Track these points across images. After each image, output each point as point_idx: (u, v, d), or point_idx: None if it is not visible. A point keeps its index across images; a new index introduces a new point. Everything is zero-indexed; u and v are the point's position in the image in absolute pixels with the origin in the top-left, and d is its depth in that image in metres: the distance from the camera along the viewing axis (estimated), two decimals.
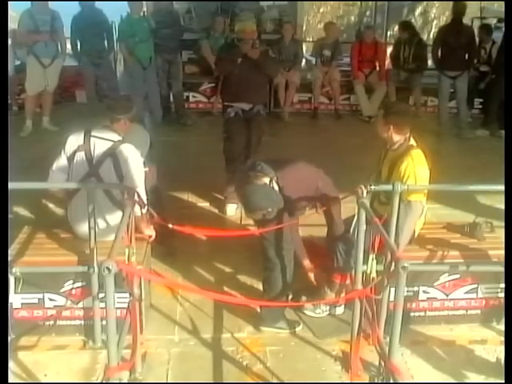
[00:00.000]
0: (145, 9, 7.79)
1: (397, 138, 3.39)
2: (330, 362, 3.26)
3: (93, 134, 3.47)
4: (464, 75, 7.14)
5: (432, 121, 7.72)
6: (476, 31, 8.15)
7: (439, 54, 7.28)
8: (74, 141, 3.49)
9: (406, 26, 8.55)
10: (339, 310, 3.68)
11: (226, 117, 4.93)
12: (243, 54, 4.75)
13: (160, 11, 7.46)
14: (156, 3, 7.76)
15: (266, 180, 3.39)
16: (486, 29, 8.47)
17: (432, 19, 22.35)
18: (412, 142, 3.42)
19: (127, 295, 2.88)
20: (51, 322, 3.41)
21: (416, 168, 3.26)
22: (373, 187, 3.07)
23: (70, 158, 3.48)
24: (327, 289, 3.64)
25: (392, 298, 2.86)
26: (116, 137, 3.48)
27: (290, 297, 3.67)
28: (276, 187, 3.39)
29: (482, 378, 3.16)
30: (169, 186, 4.69)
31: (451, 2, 7.63)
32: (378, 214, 2.93)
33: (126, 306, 2.94)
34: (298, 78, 8.03)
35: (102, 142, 3.44)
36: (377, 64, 8.22)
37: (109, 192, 3.43)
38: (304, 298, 3.72)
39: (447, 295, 3.57)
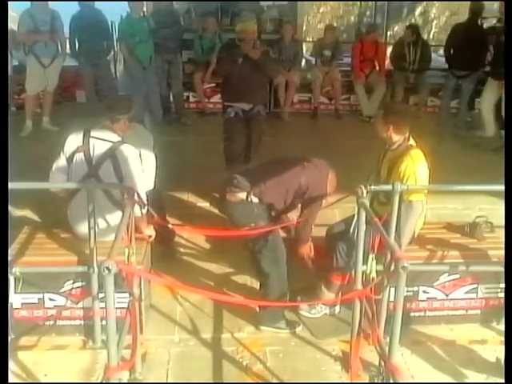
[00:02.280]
0: (145, 9, 7.78)
1: (396, 137, 3.39)
2: (330, 362, 3.26)
3: (92, 134, 3.45)
4: (472, 76, 7.12)
5: (432, 121, 7.71)
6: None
7: (451, 52, 7.30)
8: (73, 141, 3.48)
9: (415, 29, 8.50)
10: (336, 310, 3.68)
11: (226, 117, 4.93)
12: (244, 55, 4.75)
13: (160, 11, 7.45)
14: (156, 3, 7.75)
15: (243, 195, 3.39)
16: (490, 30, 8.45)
17: (432, 19, 22.36)
18: (411, 141, 3.42)
19: (127, 295, 2.88)
20: (51, 322, 3.41)
21: (416, 168, 3.25)
22: (373, 187, 3.07)
23: (69, 159, 3.47)
24: (324, 289, 3.63)
25: (392, 298, 2.86)
26: (115, 137, 3.47)
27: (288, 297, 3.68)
28: (255, 199, 3.40)
29: (482, 378, 3.16)
30: (169, 186, 4.68)
31: (462, 2, 7.62)
32: (377, 215, 2.93)
33: (126, 306, 2.94)
34: (297, 78, 8.01)
35: (101, 142, 3.43)
36: (376, 64, 8.21)
37: (108, 192, 3.42)
38: (299, 298, 3.71)
39: (447, 295, 3.58)
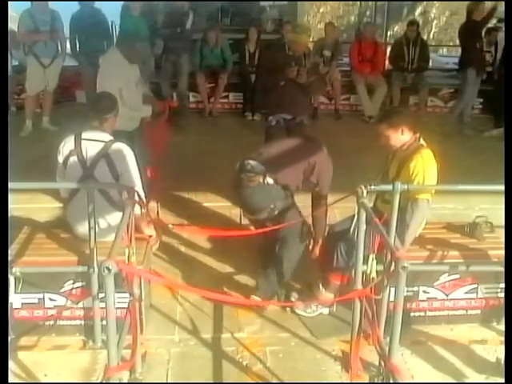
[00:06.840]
0: (145, 8, 7.78)
1: (407, 137, 3.38)
2: (330, 362, 3.26)
3: (83, 136, 3.44)
4: (462, 72, 7.27)
5: (432, 121, 7.71)
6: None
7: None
8: (66, 147, 3.46)
9: (418, 25, 8.59)
10: (333, 309, 3.68)
11: (267, 125, 4.93)
12: (288, 78, 4.75)
13: (165, 12, 7.47)
14: (162, 3, 7.75)
15: (260, 179, 3.41)
16: (489, 31, 8.48)
17: (432, 19, 22.41)
18: (422, 141, 3.42)
19: (127, 295, 2.88)
20: (51, 322, 3.41)
21: (425, 167, 3.26)
22: (373, 187, 3.07)
23: (64, 164, 3.46)
24: (322, 288, 3.62)
25: (392, 298, 2.86)
26: (107, 137, 3.46)
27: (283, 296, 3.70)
28: (271, 181, 3.42)
29: (482, 378, 3.16)
30: (170, 186, 4.69)
31: (462, 2, 7.75)
32: (380, 214, 2.92)
33: (126, 306, 2.94)
34: None
35: (93, 143, 3.41)
36: (375, 64, 8.21)
37: (106, 194, 3.41)
38: (295, 296, 3.72)
39: (447, 295, 3.58)
